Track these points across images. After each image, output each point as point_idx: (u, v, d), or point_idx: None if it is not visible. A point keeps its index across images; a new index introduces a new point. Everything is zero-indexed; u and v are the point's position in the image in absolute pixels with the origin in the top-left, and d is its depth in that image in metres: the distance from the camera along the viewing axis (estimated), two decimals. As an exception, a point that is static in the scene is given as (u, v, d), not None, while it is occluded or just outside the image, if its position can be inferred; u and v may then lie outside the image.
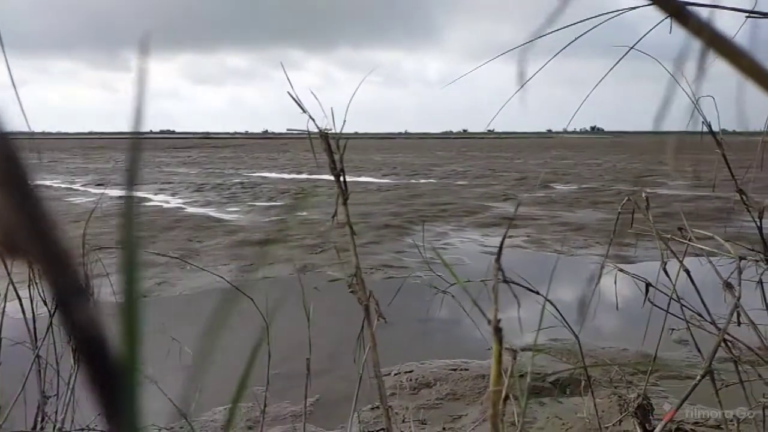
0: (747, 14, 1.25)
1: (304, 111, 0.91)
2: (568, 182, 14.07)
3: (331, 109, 0.91)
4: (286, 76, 0.93)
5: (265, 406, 1.64)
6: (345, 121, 0.92)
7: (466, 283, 1.03)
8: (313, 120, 0.91)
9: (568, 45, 1.11)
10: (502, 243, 0.55)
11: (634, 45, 1.07)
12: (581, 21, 1.14)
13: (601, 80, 1.20)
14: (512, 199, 10.73)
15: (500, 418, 0.57)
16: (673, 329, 1.89)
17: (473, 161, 23.90)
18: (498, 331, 0.57)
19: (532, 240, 6.88)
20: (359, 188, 13.01)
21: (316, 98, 0.91)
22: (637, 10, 1.19)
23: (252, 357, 0.40)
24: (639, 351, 3.20)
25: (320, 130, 0.92)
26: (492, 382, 0.56)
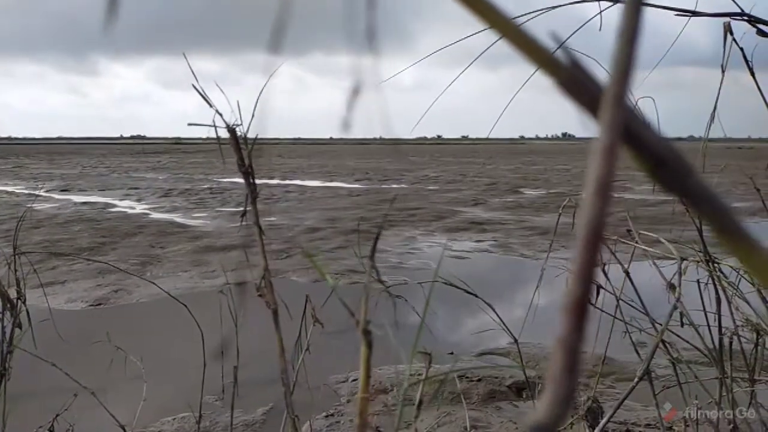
0: (677, 13, 1.24)
1: (211, 106, 0.87)
2: (537, 187, 14.22)
3: (237, 102, 0.87)
4: (193, 73, 0.89)
5: (200, 416, 1.58)
6: (253, 116, 0.88)
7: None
8: (221, 115, 0.87)
9: (490, 47, 1.09)
10: (375, 242, 0.52)
11: (562, 44, 1.06)
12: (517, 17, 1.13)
13: (525, 82, 1.18)
14: (482, 204, 10.79)
15: (369, 427, 0.54)
16: (626, 332, 1.89)
17: (446, 166, 24.02)
18: (367, 333, 0.53)
19: (499, 244, 6.91)
20: (330, 193, 12.94)
21: (223, 92, 0.87)
22: (585, 4, 1.17)
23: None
24: (596, 354, 3.21)
25: (228, 125, 0.88)
26: (360, 388, 0.53)
